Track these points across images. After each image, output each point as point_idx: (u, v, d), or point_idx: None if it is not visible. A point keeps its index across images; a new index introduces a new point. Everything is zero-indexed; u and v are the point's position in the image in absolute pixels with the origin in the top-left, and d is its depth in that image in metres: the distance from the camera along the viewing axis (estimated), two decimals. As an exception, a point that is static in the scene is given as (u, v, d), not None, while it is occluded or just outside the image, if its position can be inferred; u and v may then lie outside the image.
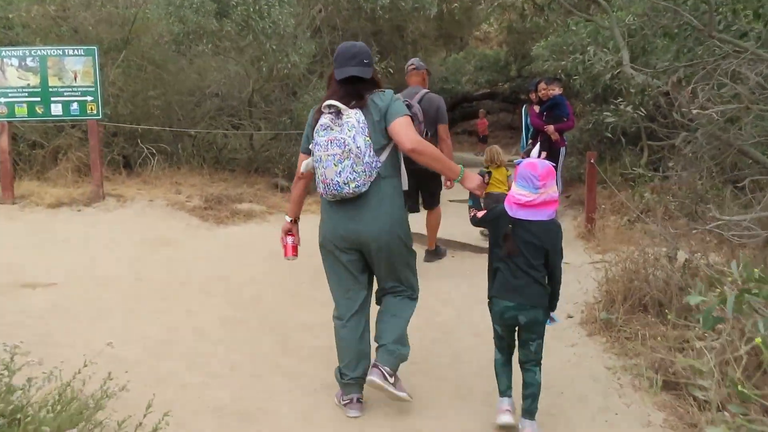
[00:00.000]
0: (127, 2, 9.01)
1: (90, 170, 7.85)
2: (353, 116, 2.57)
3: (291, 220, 3.06)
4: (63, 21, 8.62)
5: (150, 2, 8.98)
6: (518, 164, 2.59)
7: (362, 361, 2.85)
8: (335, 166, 2.54)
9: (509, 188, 2.70)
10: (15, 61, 7.31)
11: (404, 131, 2.61)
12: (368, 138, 2.58)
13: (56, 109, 7.39)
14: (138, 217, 7.37)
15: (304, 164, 2.81)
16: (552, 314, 2.66)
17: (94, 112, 7.46)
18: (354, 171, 2.53)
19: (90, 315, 4.37)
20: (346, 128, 2.54)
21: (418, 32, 12.17)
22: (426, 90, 5.28)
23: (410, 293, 2.94)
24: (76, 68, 7.39)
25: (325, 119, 2.62)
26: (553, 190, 2.53)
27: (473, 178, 2.79)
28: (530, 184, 2.47)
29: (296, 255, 3.06)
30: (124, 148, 9.53)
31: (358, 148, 2.53)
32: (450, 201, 7.45)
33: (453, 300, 4.86)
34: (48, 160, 8.72)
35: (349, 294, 2.85)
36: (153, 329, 4.11)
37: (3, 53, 7.30)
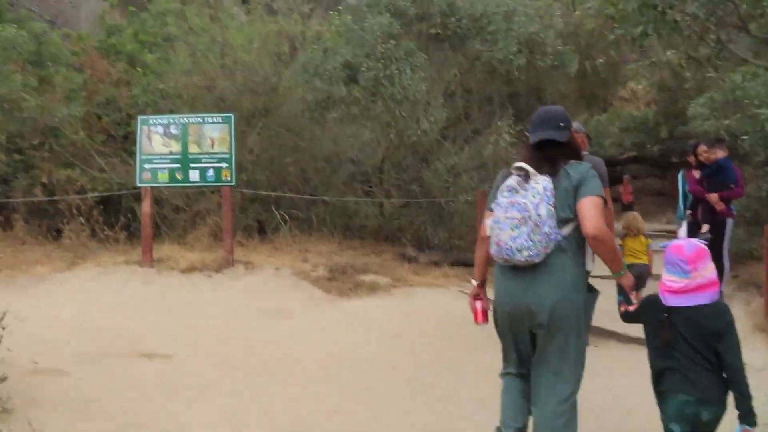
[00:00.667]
0: (268, 72, 9.27)
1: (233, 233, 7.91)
2: (541, 182, 2.46)
3: (478, 284, 2.92)
4: (208, 90, 9.03)
5: (289, 71, 9.17)
6: (664, 248, 2.44)
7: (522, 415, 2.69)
8: (512, 230, 2.44)
9: (650, 259, 2.58)
10: (160, 129, 7.65)
11: (591, 213, 2.43)
12: (552, 208, 2.44)
13: (194, 176, 7.56)
14: (263, 286, 7.17)
15: (485, 222, 2.73)
16: (743, 424, 2.21)
17: (228, 178, 7.53)
18: (530, 239, 2.40)
19: (195, 393, 4.15)
20: (531, 194, 2.44)
21: (558, 93, 11.31)
22: (584, 152, 4.78)
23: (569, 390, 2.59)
24: (213, 135, 7.56)
25: (512, 181, 2.54)
26: (709, 271, 2.32)
27: (629, 277, 2.63)
28: (679, 269, 2.31)
29: (487, 320, 2.89)
30: (260, 214, 9.62)
31: (538, 216, 2.40)
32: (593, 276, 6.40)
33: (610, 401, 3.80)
34: (188, 224, 8.99)
35: (519, 360, 2.73)
36: (252, 415, 3.70)
37: (150, 122, 7.69)
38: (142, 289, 7.00)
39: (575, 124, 5.05)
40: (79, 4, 17.14)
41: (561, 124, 2.63)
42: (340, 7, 9.37)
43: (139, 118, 7.72)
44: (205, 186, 8.20)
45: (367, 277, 7.52)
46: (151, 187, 7.65)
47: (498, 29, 8.59)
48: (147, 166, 7.61)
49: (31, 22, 11.34)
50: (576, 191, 2.48)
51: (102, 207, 9.01)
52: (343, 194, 10.11)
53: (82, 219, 8.68)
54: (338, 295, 7.00)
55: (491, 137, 8.37)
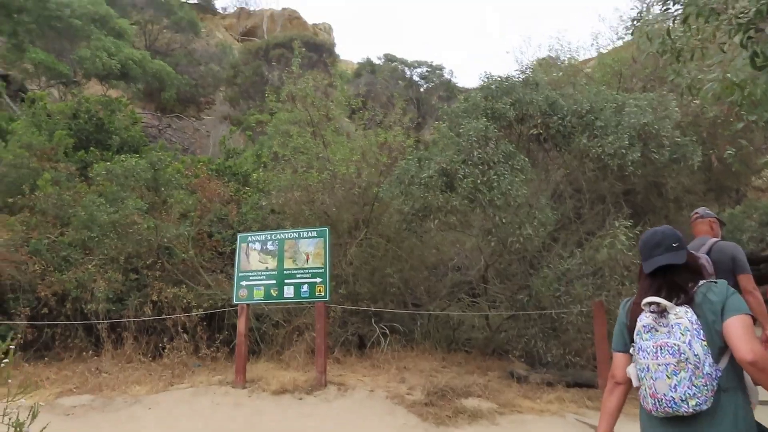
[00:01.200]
0: (368, 183, 9.12)
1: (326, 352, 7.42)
2: (684, 316, 2.18)
3: None
4: (309, 205, 8.98)
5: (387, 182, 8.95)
6: None
7: None
8: (668, 378, 2.13)
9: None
10: (258, 245, 7.56)
11: (742, 336, 2.10)
12: (705, 342, 2.14)
13: (288, 292, 7.28)
14: (355, 411, 6.47)
15: (627, 371, 2.37)
16: None
17: (322, 294, 7.15)
18: (693, 385, 2.10)
19: None
20: (678, 331, 2.16)
21: (680, 187, 10.08)
22: (715, 239, 4.63)
23: None
24: (308, 250, 7.32)
25: (646, 319, 2.25)
26: None
27: None
28: None
29: None
30: (360, 327, 9.12)
31: (695, 356, 2.11)
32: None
33: None
34: (286, 340, 8.66)
35: None
36: None
37: (249, 239, 7.65)
38: (230, 414, 6.58)
39: (701, 210, 4.84)
40: (210, 133, 18.78)
41: (674, 244, 2.37)
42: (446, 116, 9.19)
43: (239, 235, 7.74)
44: (299, 302, 7.90)
45: (469, 402, 6.58)
46: (247, 305, 7.44)
47: (607, 124, 7.86)
48: (244, 283, 7.48)
49: (164, 151, 12.38)
50: (721, 314, 2.17)
51: (206, 323, 8.99)
52: (447, 305, 9.40)
53: (186, 336, 8.68)
54: (435, 424, 6.11)
55: (606, 239, 7.39)
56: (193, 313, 8.71)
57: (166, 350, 8.35)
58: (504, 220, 6.85)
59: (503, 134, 7.78)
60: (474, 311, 9.41)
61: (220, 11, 41.75)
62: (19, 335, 8.47)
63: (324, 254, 7.25)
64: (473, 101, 8.54)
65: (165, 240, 8.75)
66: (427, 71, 32.56)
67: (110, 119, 13.59)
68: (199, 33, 33.29)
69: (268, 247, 7.51)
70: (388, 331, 8.90)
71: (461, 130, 7.24)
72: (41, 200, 9.66)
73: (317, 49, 27.72)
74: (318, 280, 7.18)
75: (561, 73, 12.05)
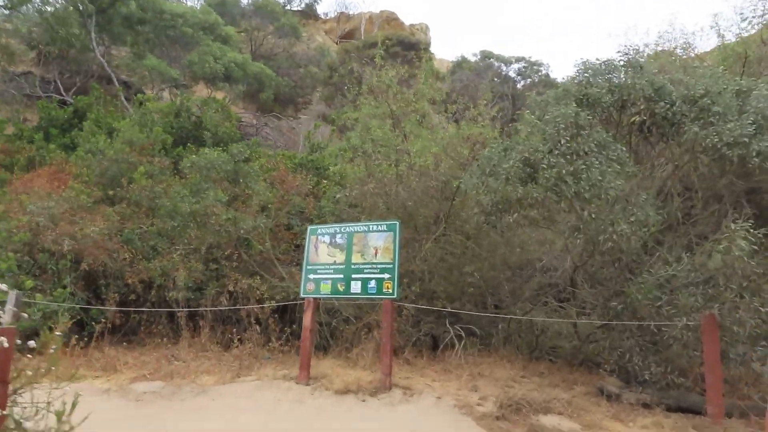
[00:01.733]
0: (446, 176, 8.48)
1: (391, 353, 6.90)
2: None
3: None
4: (384, 198, 8.49)
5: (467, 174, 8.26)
6: None
7: None
8: None
9: None
10: (327, 238, 7.18)
11: None
12: None
13: (356, 287, 6.82)
14: (417, 419, 5.87)
15: None
16: None
17: (390, 290, 6.62)
18: None
19: None
20: None
21: (820, 185, 8.49)
22: None
23: None
24: (378, 244, 6.82)
25: None
26: None
27: None
28: None
29: None
30: (434, 327, 8.50)
31: None
32: None
33: None
34: (356, 337, 8.23)
35: None
36: None
37: (318, 231, 7.28)
38: (291, 411, 6.22)
39: None
40: (301, 130, 18.91)
41: None
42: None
43: (309, 227, 7.41)
44: (366, 298, 7.43)
45: (548, 420, 5.76)
46: (314, 298, 7.08)
47: (726, 110, 6.66)
48: (311, 276, 7.13)
49: (256, 147, 12.44)
50: None
51: (278, 315, 8.79)
52: (531, 308, 8.52)
53: (258, 327, 8.51)
54: (507, 443, 5.37)
55: (721, 244, 6.23)
56: (266, 305, 8.53)
57: (235, 342, 8.20)
58: (593, 215, 5.93)
59: (598, 122, 6.82)
60: (561, 317, 8.46)
61: (322, 16, 42.64)
62: (107, 320, 8.73)
63: (393, 249, 6.72)
64: (564, 87, 7.64)
65: (243, 231, 8.63)
66: (524, 67, 31.17)
67: (206, 117, 13.95)
68: (300, 37, 34.13)
69: (337, 240, 7.11)
70: (464, 334, 8.22)
71: (547, 117, 6.40)
72: (135, 192, 9.95)
73: (412, 47, 27.35)
74: (386, 275, 6.67)
75: (673, 58, 10.68)
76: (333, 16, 43.03)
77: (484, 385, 6.94)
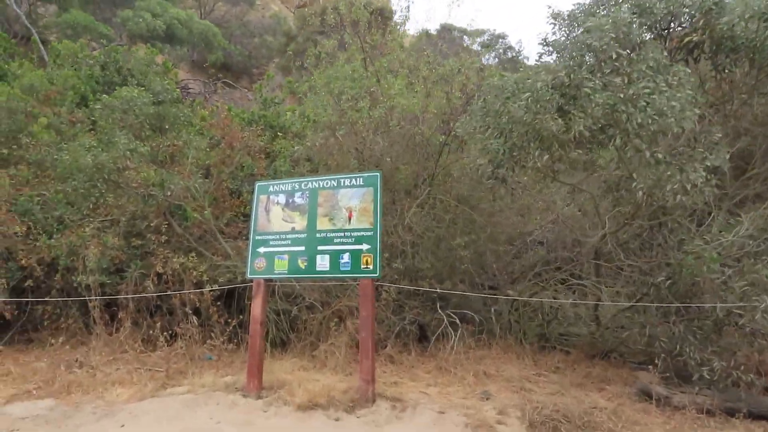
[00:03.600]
0: (436, 119, 6.61)
1: (374, 351, 5.01)
2: None
3: None
4: (357, 153, 6.55)
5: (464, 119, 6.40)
6: None
7: None
8: None
9: None
10: (282, 198, 5.21)
11: None
12: None
13: (322, 263, 4.88)
14: (417, 447, 4.06)
15: None
16: None
17: (370, 267, 4.72)
18: None
19: None
20: None
21: None
22: None
23: None
24: (351, 204, 4.90)
25: None
26: None
27: None
28: None
29: None
30: (420, 314, 6.67)
31: None
32: None
33: None
34: (323, 329, 6.31)
35: None
36: None
37: (271, 188, 5.29)
38: (234, 439, 4.29)
39: None
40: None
41: None
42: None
43: (257, 184, 5.39)
44: (337, 278, 5.53)
45: (601, 444, 4.03)
46: (265, 280, 5.11)
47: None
48: (262, 249, 5.15)
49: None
50: None
51: (222, 303, 6.79)
52: (540, 288, 6.81)
53: (196, 319, 6.49)
54: (553, 486, 3.61)
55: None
56: (206, 290, 6.51)
57: (161, 339, 6.18)
58: (658, 157, 4.17)
59: (652, 38, 5.03)
60: (571, 298, 6.76)
61: (277, -16, 39.75)
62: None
63: (374, 210, 4.81)
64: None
65: (171, 194, 6.54)
66: (488, 39, 29.45)
67: (140, 70, 11.56)
68: (254, 5, 31.44)
69: (296, 200, 5.14)
70: (458, 321, 6.43)
71: (589, 25, 4.55)
72: (35, 150, 7.66)
73: (373, 13, 25.20)
74: (365, 246, 4.76)
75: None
76: (289, -17, 40.23)
77: (495, 388, 5.18)
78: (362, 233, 4.80)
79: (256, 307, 5.05)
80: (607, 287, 6.25)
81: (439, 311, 6.46)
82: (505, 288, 6.96)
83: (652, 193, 4.45)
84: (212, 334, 6.48)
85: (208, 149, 7.37)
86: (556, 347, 6.76)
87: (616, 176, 4.80)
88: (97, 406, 4.88)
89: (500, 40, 30.03)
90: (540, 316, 6.84)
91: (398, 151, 6.80)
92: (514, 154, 5.00)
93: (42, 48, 15.96)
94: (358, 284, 5.88)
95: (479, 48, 30.46)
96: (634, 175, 4.34)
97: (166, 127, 6.77)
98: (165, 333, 6.45)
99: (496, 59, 29.33)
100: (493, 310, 6.97)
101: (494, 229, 7.02)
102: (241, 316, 6.59)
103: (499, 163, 5.10)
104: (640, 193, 4.30)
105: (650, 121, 4.03)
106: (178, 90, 7.52)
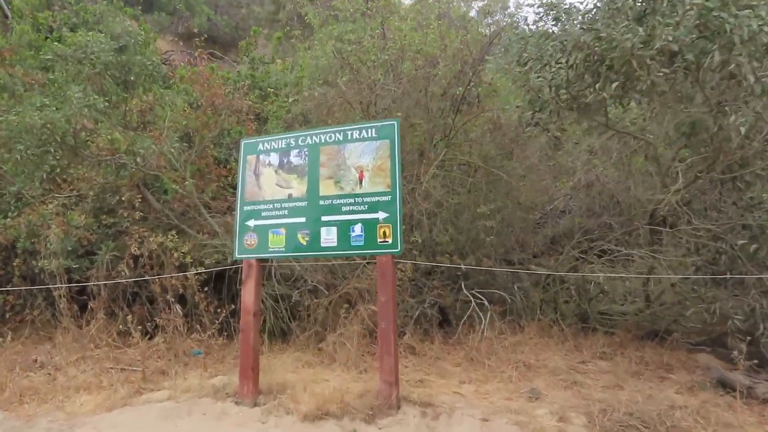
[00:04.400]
0: (455, 64, 5.57)
1: (396, 345, 4.05)
2: None
3: None
4: (362, 106, 5.51)
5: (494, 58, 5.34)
6: None
7: None
8: None
9: None
10: (275, 158, 4.19)
11: None
12: None
13: (328, 237, 3.89)
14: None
15: None
16: None
17: (389, 241, 3.72)
18: None
19: None
20: None
21: None
22: None
23: None
24: (363, 162, 3.88)
25: None
26: None
27: None
28: None
29: None
30: (441, 295, 5.71)
31: None
32: None
33: None
34: (331, 317, 5.35)
35: None
36: None
37: (261, 146, 4.27)
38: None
39: None
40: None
41: None
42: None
43: (243, 142, 4.35)
44: (349, 255, 4.55)
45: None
46: (258, 260, 4.12)
47: None
48: (252, 222, 4.15)
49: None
50: None
51: (211, 288, 5.82)
52: (578, 260, 5.85)
53: (180, 308, 5.52)
54: None
55: None
56: (191, 273, 5.53)
57: (134, 333, 5.20)
58: (766, 84, 3.15)
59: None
60: (618, 272, 5.81)
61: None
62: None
63: (391, 169, 3.80)
64: None
65: (143, 162, 5.49)
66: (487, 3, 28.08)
67: (107, 24, 10.34)
68: (241, -27, 29.77)
69: (292, 159, 4.12)
70: (486, 302, 5.48)
71: None
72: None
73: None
74: (381, 215, 3.76)
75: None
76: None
77: (541, 384, 4.24)
78: (377, 198, 3.79)
79: (248, 294, 4.07)
80: (662, 257, 5.29)
81: (464, 291, 5.50)
82: (538, 262, 6.01)
83: (747, 135, 3.45)
84: (200, 326, 5.53)
85: (187, 109, 6.30)
86: (596, 328, 5.85)
87: (695, 113, 3.78)
88: (55, 419, 3.93)
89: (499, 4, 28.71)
90: (578, 294, 5.91)
91: (410, 105, 5.75)
92: (561, 93, 3.98)
93: (5, 6, 14.64)
94: (369, 262, 4.93)
95: (476, 14, 29.14)
96: (728, 109, 3.34)
97: (132, 79, 5.68)
98: (144, 324, 5.49)
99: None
100: (516, 288, 6.04)
101: (524, 195, 6.03)
102: (233, 305, 5.61)
103: (542, 104, 4.08)
104: (735, 132, 3.30)
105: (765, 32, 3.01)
106: (142, 33, 6.36)
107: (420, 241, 5.49)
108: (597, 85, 3.56)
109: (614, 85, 3.46)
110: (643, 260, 5.32)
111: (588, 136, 5.31)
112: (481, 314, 5.36)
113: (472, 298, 5.42)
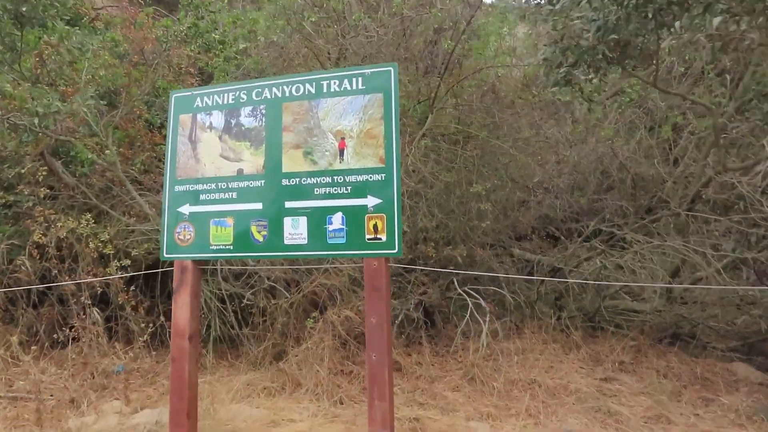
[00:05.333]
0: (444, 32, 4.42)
1: (391, 380, 2.97)
2: None
3: None
4: (329, 56, 4.30)
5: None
6: None
7: None
8: None
9: None
10: (219, 118, 2.97)
11: None
12: None
13: (294, 231, 2.73)
14: None
15: None
16: None
17: (382, 238, 2.60)
18: None
19: None
20: None
21: None
22: None
23: None
24: (343, 125, 2.72)
25: None
26: None
27: None
28: None
29: None
30: (428, 293, 4.66)
31: None
32: None
33: None
34: (294, 324, 4.21)
35: None
36: None
37: (198, 101, 3.03)
38: None
39: None
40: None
41: None
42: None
43: (173, 96, 3.08)
44: (325, 257, 3.39)
45: None
46: (195, 262, 2.91)
47: None
48: (185, 209, 2.94)
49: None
50: None
51: (140, 286, 4.57)
52: (590, 251, 4.92)
53: (98, 313, 4.26)
54: None
55: None
56: (113, 267, 4.27)
57: (26, 351, 3.95)
58: None
59: None
60: (631, 263, 4.90)
61: None
62: None
63: (386, 134, 2.65)
64: None
65: (50, 122, 4.13)
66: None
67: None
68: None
69: (243, 121, 2.91)
70: (483, 303, 4.48)
71: None
72: None
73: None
74: (371, 201, 2.63)
75: None
76: None
77: (570, 416, 3.27)
78: (366, 177, 2.65)
79: (182, 310, 2.88)
80: (689, 246, 4.39)
81: (458, 288, 4.47)
82: (541, 251, 5.05)
83: None
84: (127, 334, 4.31)
85: (111, 61, 4.92)
86: (604, 328, 4.98)
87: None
88: None
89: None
90: (596, 291, 4.97)
91: (389, 57, 4.58)
92: (610, 37, 2.92)
93: None
94: (364, 263, 3.90)
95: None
96: None
97: (23, 11, 4.22)
98: (57, 331, 4.23)
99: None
100: (515, 284, 5.07)
101: (523, 172, 5.02)
102: (169, 305, 4.41)
103: (581, 53, 3.00)
104: None
105: None
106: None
107: (405, 228, 4.41)
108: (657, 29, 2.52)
109: (716, 20, 2.42)
110: (669, 252, 4.41)
111: (614, 100, 4.31)
112: (478, 317, 4.36)
113: (467, 297, 4.40)
